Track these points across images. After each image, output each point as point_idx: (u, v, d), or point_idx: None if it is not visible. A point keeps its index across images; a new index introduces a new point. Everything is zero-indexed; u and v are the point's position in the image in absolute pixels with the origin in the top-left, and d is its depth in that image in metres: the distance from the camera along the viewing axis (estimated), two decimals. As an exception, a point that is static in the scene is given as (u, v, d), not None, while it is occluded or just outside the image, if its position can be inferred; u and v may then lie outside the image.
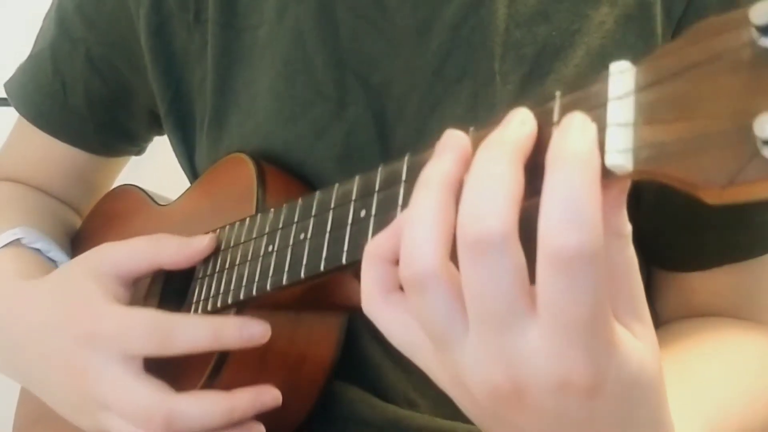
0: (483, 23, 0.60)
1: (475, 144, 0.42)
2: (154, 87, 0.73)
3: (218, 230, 0.64)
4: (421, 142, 0.61)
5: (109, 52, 0.76)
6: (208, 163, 0.71)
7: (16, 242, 0.73)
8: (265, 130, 0.67)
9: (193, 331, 0.56)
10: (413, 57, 0.63)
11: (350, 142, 0.64)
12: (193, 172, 0.75)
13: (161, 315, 0.58)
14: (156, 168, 1.02)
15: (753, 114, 0.32)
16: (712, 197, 0.34)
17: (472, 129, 0.43)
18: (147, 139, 0.86)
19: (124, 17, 0.73)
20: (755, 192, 0.33)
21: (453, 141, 0.41)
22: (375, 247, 0.42)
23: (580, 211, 0.35)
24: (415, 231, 0.39)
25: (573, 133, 0.36)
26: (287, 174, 0.67)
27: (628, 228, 0.40)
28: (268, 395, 0.58)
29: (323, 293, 0.60)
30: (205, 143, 0.71)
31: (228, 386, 0.58)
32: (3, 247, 0.73)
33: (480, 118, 0.60)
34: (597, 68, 0.58)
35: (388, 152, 0.64)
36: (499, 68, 0.60)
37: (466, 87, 0.61)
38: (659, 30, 0.59)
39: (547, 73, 0.60)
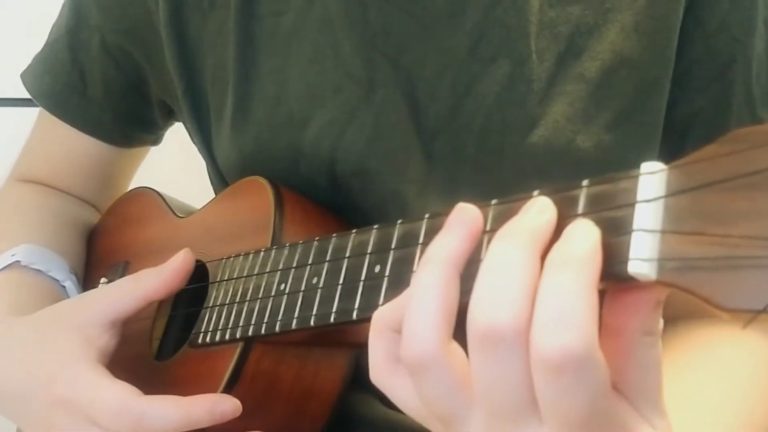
0: (516, 3, 0.61)
1: (495, 218, 0.41)
2: (171, 75, 0.72)
3: (232, 258, 0.63)
4: (457, 122, 0.63)
5: (123, 40, 0.75)
6: (232, 153, 0.69)
7: (16, 264, 0.71)
8: (298, 119, 0.66)
9: (163, 416, 0.55)
10: (446, 38, 0.62)
11: (381, 123, 0.64)
12: (213, 162, 0.73)
13: (132, 399, 0.56)
14: (166, 167, 1.01)
15: (788, 244, 0.30)
16: (737, 321, 0.32)
17: (494, 202, 0.41)
18: (163, 127, 0.85)
19: (139, 4, 0.72)
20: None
21: (463, 216, 0.40)
22: (382, 318, 0.42)
23: (570, 318, 0.34)
24: (415, 313, 0.38)
25: (574, 239, 0.36)
26: (307, 201, 0.66)
27: (660, 326, 0.39)
28: (227, 404, 0.56)
29: (334, 331, 0.59)
30: (229, 133, 0.69)
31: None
32: (2, 269, 0.71)
33: (517, 96, 0.61)
34: (632, 45, 0.60)
35: (421, 133, 0.64)
36: (535, 46, 0.61)
37: (501, 66, 0.61)
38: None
39: (582, 51, 0.61)
